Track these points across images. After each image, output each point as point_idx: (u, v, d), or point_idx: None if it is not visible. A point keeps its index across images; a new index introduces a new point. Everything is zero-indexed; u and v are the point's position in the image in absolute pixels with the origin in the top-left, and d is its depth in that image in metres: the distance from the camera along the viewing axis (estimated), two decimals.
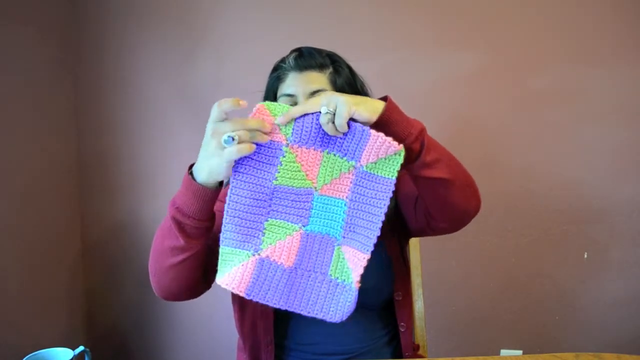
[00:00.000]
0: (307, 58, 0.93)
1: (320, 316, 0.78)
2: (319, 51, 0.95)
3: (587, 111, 1.58)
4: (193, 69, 1.69)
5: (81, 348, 1.34)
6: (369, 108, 0.75)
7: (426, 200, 0.85)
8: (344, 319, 0.77)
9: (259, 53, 1.63)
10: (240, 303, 0.99)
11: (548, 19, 1.55)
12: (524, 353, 1.70)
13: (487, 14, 1.57)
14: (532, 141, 1.61)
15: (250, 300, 0.96)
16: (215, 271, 0.79)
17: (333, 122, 0.74)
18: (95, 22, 1.71)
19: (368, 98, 0.77)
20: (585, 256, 1.64)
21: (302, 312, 0.79)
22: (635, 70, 1.54)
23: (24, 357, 1.24)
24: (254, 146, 0.74)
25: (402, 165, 0.76)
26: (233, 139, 0.71)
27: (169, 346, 1.83)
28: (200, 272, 0.86)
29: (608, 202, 1.60)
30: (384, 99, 0.77)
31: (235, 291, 0.77)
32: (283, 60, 0.96)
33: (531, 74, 1.58)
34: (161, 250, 0.82)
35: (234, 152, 0.72)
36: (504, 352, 1.70)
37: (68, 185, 1.75)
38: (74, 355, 1.29)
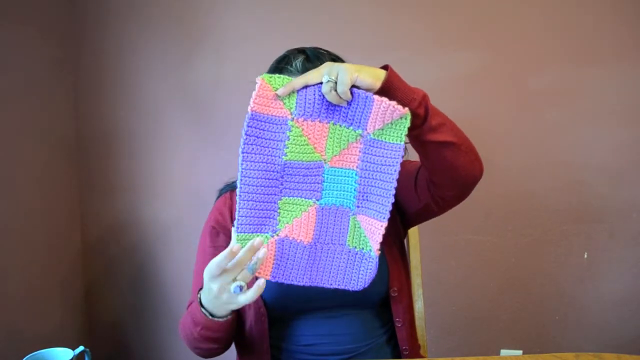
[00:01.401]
0: (313, 62, 0.91)
1: (342, 286, 0.79)
2: (323, 54, 0.94)
3: (587, 111, 1.58)
4: (193, 69, 1.69)
5: (81, 348, 1.34)
6: (371, 74, 0.75)
7: (432, 168, 0.86)
8: (366, 286, 0.79)
9: (259, 53, 1.63)
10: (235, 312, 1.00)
11: (548, 19, 1.55)
12: (524, 353, 1.70)
13: (487, 13, 1.57)
14: (532, 141, 1.61)
15: (244, 307, 0.96)
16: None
17: (336, 91, 0.74)
18: (95, 22, 1.71)
19: (368, 66, 0.77)
20: (585, 256, 1.64)
21: (324, 285, 0.80)
22: (635, 70, 1.54)
23: (24, 357, 1.24)
24: (264, 283, 0.74)
25: (409, 133, 0.77)
26: (241, 287, 0.74)
27: (169, 346, 1.83)
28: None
29: (608, 202, 1.60)
30: (384, 67, 0.78)
31: (261, 276, 0.78)
32: (287, 62, 0.93)
33: (531, 74, 1.58)
34: (194, 344, 0.88)
35: (250, 298, 0.74)
36: (504, 352, 1.70)
37: (68, 185, 1.75)
38: (74, 355, 1.29)
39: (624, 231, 1.61)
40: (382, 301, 0.97)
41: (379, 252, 0.78)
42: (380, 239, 0.77)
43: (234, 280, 0.74)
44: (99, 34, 1.71)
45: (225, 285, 0.74)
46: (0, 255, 1.45)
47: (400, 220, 1.02)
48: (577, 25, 1.55)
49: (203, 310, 0.81)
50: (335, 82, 0.74)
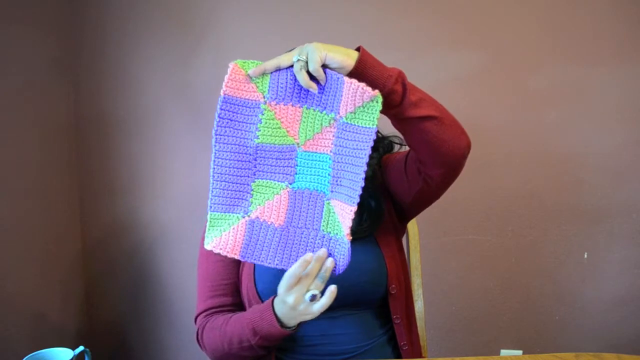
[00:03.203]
0: None
1: None
2: None
3: (587, 111, 1.58)
4: (193, 68, 1.69)
5: (81, 348, 1.34)
6: (342, 52, 0.75)
7: (418, 146, 0.85)
8: (341, 272, 0.78)
9: (259, 53, 1.63)
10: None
11: (548, 19, 1.55)
12: (524, 353, 1.70)
13: (487, 14, 1.57)
14: (532, 141, 1.61)
15: (249, 306, 0.96)
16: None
17: (308, 71, 0.74)
18: (95, 22, 1.71)
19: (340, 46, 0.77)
20: (585, 256, 1.64)
21: None
22: (635, 70, 1.54)
23: (24, 357, 1.24)
24: (336, 288, 0.77)
25: (389, 112, 0.77)
26: (315, 296, 0.76)
27: (169, 346, 1.83)
28: None
29: (608, 202, 1.60)
30: (357, 49, 0.78)
31: (230, 255, 0.79)
32: None
33: (531, 74, 1.58)
34: (237, 353, 0.88)
35: (324, 304, 0.77)
36: (504, 352, 1.70)
37: (68, 185, 1.75)
38: (74, 355, 1.29)
39: (624, 231, 1.61)
40: (382, 301, 0.97)
41: (350, 237, 0.77)
42: (350, 223, 0.76)
43: (307, 290, 0.76)
44: (99, 34, 1.71)
45: (300, 297, 0.77)
46: (0, 255, 1.45)
47: (397, 215, 1.02)
48: (577, 25, 1.55)
49: (276, 318, 0.82)
50: (306, 62, 0.74)
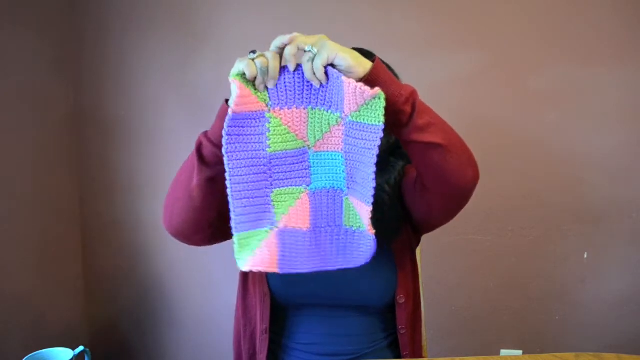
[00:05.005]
0: None
1: (345, 266, 0.78)
2: None
3: (587, 111, 1.58)
4: (193, 69, 1.69)
5: (81, 348, 1.34)
6: (354, 57, 0.72)
7: (420, 170, 0.82)
8: (368, 261, 0.76)
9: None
10: (244, 285, 0.98)
11: (548, 19, 1.55)
12: (524, 353, 1.70)
13: (487, 14, 1.57)
14: (532, 141, 1.61)
15: (254, 284, 0.94)
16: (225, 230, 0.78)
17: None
18: (95, 22, 1.71)
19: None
20: (585, 256, 1.64)
21: (329, 269, 0.78)
22: (635, 70, 1.54)
23: (24, 357, 1.24)
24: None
25: (394, 130, 0.75)
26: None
27: (169, 346, 1.83)
28: (213, 212, 0.83)
29: (608, 202, 1.60)
30: (372, 60, 0.75)
31: (269, 270, 0.77)
32: None
33: (531, 74, 1.58)
34: (179, 178, 0.86)
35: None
36: (504, 352, 1.70)
37: (68, 185, 1.75)
38: (74, 355, 1.29)
39: (624, 231, 1.61)
40: (389, 308, 0.96)
41: (374, 231, 0.75)
42: (369, 221, 0.75)
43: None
44: (99, 34, 1.71)
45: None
46: (1, 255, 1.45)
47: (412, 227, 1.00)
48: (577, 25, 1.55)
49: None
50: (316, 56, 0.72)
